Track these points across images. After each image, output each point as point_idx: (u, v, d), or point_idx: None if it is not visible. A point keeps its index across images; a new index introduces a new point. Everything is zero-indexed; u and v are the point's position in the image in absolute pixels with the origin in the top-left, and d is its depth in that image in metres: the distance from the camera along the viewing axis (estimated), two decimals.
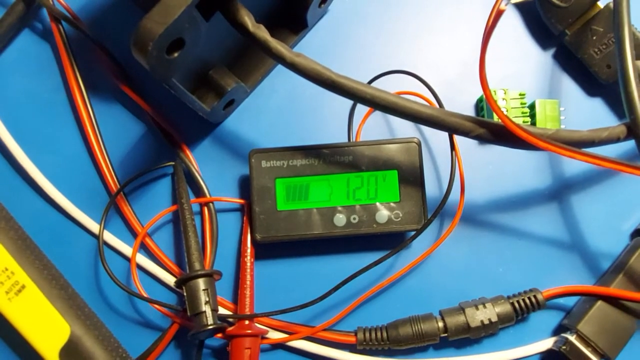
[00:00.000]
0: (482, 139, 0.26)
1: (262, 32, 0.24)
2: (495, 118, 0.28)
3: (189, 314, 0.27)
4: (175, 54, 0.22)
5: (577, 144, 0.25)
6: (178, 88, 0.24)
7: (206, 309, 0.26)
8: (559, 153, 0.24)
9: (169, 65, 0.22)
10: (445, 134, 0.31)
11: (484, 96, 0.24)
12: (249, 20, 0.24)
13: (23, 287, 0.27)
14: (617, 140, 0.26)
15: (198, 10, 0.22)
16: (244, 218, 0.30)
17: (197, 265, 0.28)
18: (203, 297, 0.26)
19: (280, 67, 0.32)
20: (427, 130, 0.32)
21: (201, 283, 0.27)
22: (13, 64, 0.32)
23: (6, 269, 0.27)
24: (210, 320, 0.26)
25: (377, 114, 0.32)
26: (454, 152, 0.29)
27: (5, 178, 0.31)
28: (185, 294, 0.27)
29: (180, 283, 0.27)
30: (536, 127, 0.26)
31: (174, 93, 0.25)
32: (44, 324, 0.27)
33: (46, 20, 0.32)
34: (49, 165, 0.31)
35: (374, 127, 0.32)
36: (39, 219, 0.31)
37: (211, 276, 0.27)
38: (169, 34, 0.21)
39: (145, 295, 0.29)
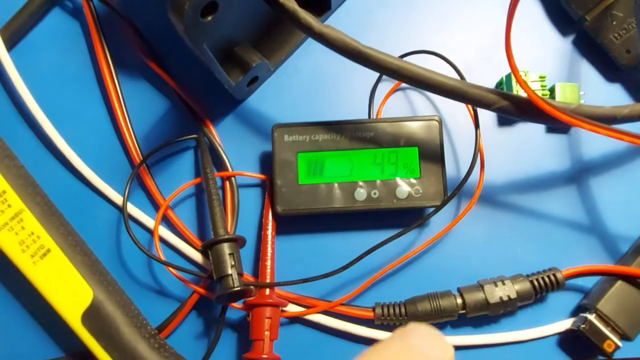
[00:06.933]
0: (505, 112, 0.26)
1: (292, 3, 0.25)
2: None
3: (215, 277, 0.27)
4: (209, 18, 0.23)
5: (599, 119, 0.25)
6: (208, 55, 0.25)
7: (232, 272, 0.27)
8: (582, 127, 0.25)
9: (202, 28, 0.23)
10: (464, 115, 0.31)
11: (510, 70, 0.25)
12: None
13: (48, 251, 0.27)
14: (638, 118, 0.27)
15: None
16: (266, 191, 0.31)
17: (222, 232, 0.28)
18: (229, 261, 0.27)
19: (303, 47, 0.33)
20: (446, 111, 0.32)
21: (227, 247, 0.27)
22: (44, 40, 0.33)
23: (32, 233, 0.27)
24: (236, 283, 0.26)
25: (397, 94, 0.32)
26: (478, 131, 0.29)
27: (33, 149, 0.32)
28: (211, 258, 0.27)
29: (206, 247, 0.28)
30: (559, 102, 0.26)
31: (203, 60, 0.26)
32: (67, 288, 0.27)
33: None
34: (75, 138, 0.32)
35: (394, 108, 0.32)
36: (64, 189, 0.31)
37: (236, 241, 0.28)
38: None
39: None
